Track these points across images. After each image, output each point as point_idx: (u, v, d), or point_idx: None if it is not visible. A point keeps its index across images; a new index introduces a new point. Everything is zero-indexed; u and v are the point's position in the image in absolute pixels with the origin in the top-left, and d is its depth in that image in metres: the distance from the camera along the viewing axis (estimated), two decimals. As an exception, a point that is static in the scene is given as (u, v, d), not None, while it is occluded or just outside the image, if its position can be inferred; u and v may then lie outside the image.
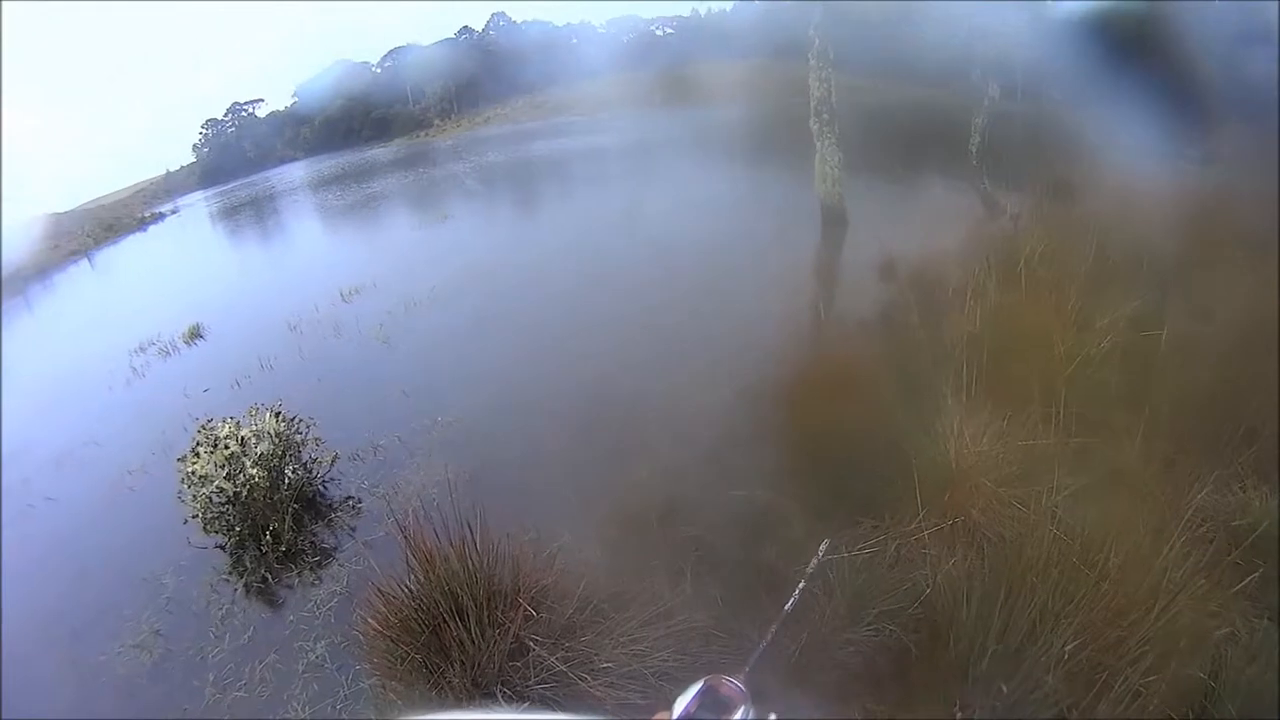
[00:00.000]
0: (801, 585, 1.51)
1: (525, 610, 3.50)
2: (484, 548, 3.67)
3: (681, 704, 1.20)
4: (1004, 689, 2.94)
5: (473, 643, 3.40)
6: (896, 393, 5.00)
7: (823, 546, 1.44)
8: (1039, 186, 9.95)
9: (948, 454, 4.30)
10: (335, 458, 6.08)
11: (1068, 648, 2.94)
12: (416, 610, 3.56)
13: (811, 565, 1.46)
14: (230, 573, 5.36)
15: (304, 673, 4.26)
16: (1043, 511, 3.62)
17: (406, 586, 3.65)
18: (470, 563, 3.57)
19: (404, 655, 3.53)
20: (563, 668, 3.33)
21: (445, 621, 3.45)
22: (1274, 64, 8.99)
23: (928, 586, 3.57)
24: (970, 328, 5.57)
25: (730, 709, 1.19)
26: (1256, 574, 3.32)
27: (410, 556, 3.63)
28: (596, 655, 3.42)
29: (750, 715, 1.18)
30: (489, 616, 3.47)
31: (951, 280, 6.59)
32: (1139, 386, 4.60)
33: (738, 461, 5.08)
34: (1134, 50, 10.09)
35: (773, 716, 1.18)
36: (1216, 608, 3.23)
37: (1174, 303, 5.64)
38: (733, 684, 1.23)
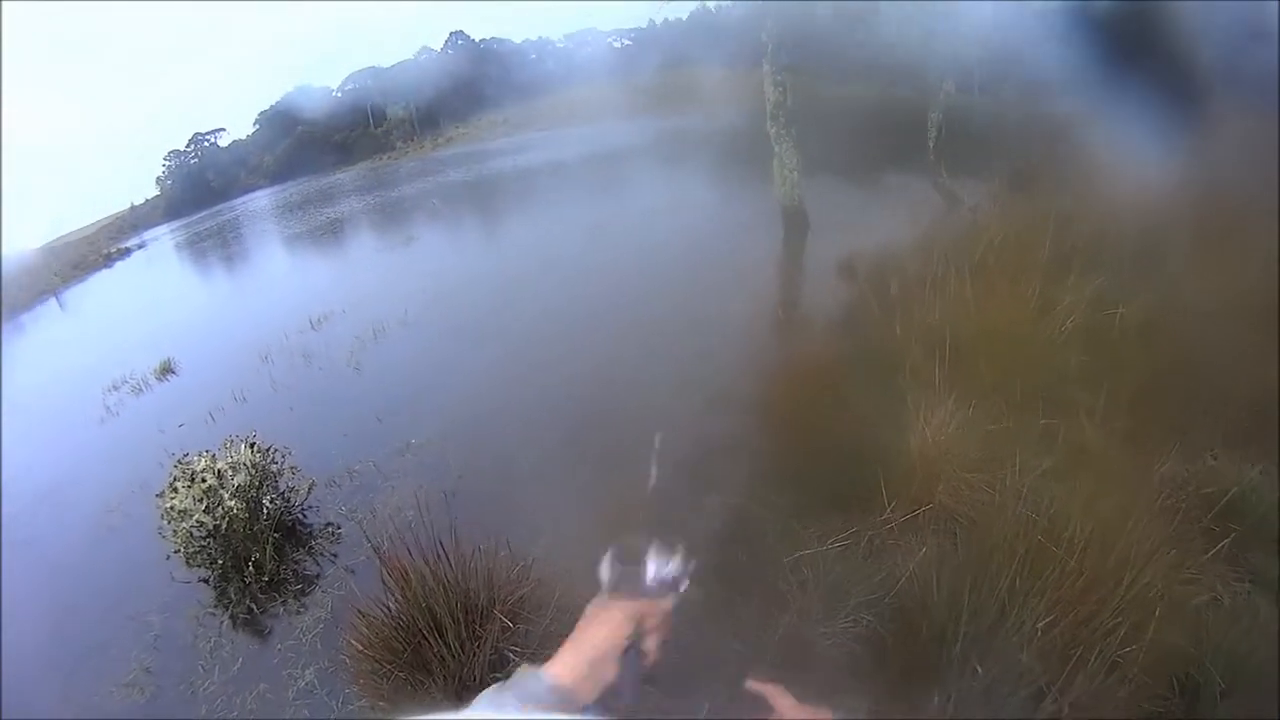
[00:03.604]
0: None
1: (501, 622, 3.56)
2: (458, 563, 3.73)
3: (604, 572, 1.27)
4: (979, 669, 2.99)
5: (453, 657, 3.46)
6: (861, 387, 5.10)
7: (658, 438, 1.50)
8: (997, 177, 10.13)
9: (915, 443, 4.38)
10: (312, 485, 6.10)
11: (1039, 625, 3.00)
12: (396, 629, 3.61)
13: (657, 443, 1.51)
14: (215, 606, 5.36)
15: (294, 699, 4.28)
16: (1008, 492, 3.70)
17: (386, 607, 3.70)
18: (445, 579, 3.63)
19: (388, 674, 3.58)
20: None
21: (425, 638, 3.51)
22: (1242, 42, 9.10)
23: (901, 575, 3.64)
24: (931, 318, 5.68)
25: (641, 555, 1.26)
26: (1229, 539, 3.42)
27: (386, 576, 3.69)
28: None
29: (658, 558, 1.26)
30: (467, 630, 3.53)
31: (911, 273, 6.70)
32: (1101, 365, 4.69)
33: (709, 466, 5.15)
34: (1104, 37, 10.24)
35: (679, 546, 1.27)
36: (1192, 574, 3.32)
37: (1136, 283, 5.75)
38: (634, 539, 1.28)
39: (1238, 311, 4.79)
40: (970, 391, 4.69)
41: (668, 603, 1.27)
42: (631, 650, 1.24)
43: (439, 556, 3.70)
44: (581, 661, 1.21)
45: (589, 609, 1.29)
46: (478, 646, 3.50)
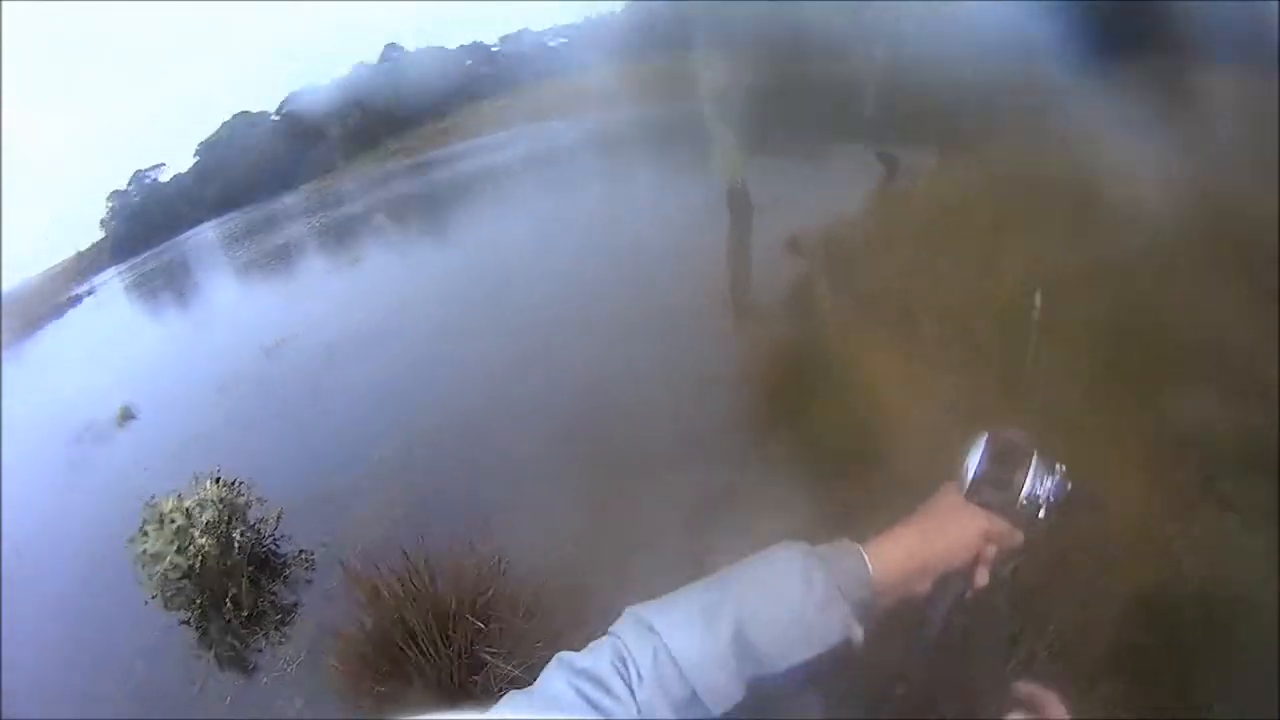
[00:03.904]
0: None
1: (473, 624, 3.61)
2: (423, 571, 3.77)
3: (971, 466, 1.05)
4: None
5: (430, 664, 3.51)
6: (821, 362, 5.19)
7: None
8: (938, 141, 10.24)
9: (870, 412, 4.44)
10: (280, 514, 6.07)
11: (1008, 569, 3.03)
12: (374, 645, 3.67)
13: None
14: (199, 646, 5.37)
15: (287, 731, 4.32)
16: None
17: (361, 624, 3.75)
18: (414, 588, 3.68)
19: (371, 690, 3.63)
20: (519, 674, 3.44)
21: (401, 649, 3.56)
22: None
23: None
24: (877, 285, 5.77)
25: (1019, 462, 1.03)
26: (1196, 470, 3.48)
27: (358, 593, 3.74)
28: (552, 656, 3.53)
29: (1038, 471, 1.03)
30: (440, 636, 3.58)
31: (855, 243, 6.80)
32: (1053, 317, 4.77)
33: (683, 451, 5.22)
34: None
35: (1061, 467, 1.04)
36: (1162, 505, 3.35)
37: (1081, 235, 5.84)
38: (1017, 434, 1.07)
39: (1186, 256, 4.87)
40: (923, 355, 4.78)
41: (1021, 536, 1.06)
42: (958, 576, 1.04)
43: (406, 567, 3.75)
44: (911, 560, 1.02)
45: (941, 498, 1.09)
46: (452, 652, 3.55)
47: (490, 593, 3.88)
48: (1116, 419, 3.85)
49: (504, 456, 5.98)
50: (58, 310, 27.36)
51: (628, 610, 0.98)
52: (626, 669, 0.90)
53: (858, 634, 0.95)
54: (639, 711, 0.88)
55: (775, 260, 8.19)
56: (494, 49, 38.08)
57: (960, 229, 6.21)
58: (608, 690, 0.88)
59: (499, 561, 4.22)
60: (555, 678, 0.91)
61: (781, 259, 8.07)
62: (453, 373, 8.38)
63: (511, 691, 0.91)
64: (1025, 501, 1.02)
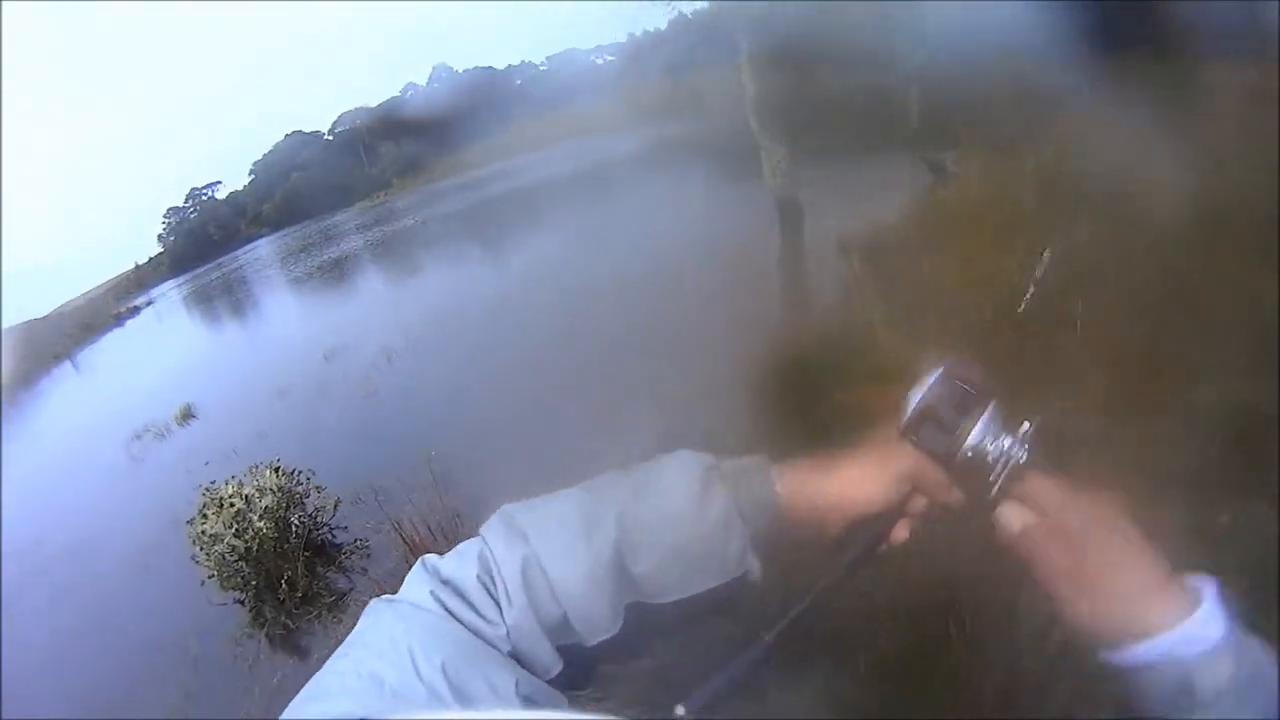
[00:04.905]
0: None
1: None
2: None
3: (913, 399, 0.84)
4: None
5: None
6: (857, 354, 5.21)
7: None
8: (979, 142, 10.20)
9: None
10: (338, 502, 6.22)
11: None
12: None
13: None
14: (252, 625, 5.49)
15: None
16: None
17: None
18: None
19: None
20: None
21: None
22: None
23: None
24: (923, 279, 5.79)
25: (973, 405, 0.82)
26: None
27: (411, 557, 3.80)
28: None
29: (991, 423, 0.81)
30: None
31: (898, 243, 6.82)
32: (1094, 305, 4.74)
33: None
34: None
35: (1028, 429, 0.80)
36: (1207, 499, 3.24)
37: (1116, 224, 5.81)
38: (978, 372, 0.85)
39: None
40: (967, 344, 4.79)
41: (959, 496, 0.85)
42: (874, 524, 0.86)
43: (459, 534, 3.81)
44: (826, 494, 0.85)
45: (875, 433, 0.89)
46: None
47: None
48: (1151, 404, 3.81)
49: (559, 450, 6.05)
50: (117, 320, 28.04)
51: (501, 509, 0.88)
52: (494, 583, 0.80)
53: (755, 569, 0.84)
54: (509, 636, 0.78)
55: (826, 262, 8.22)
56: (541, 68, 38.64)
57: (1000, 223, 6.21)
58: (473, 606, 0.79)
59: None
60: (418, 583, 0.81)
61: (830, 261, 8.10)
62: (507, 373, 8.46)
63: (376, 599, 0.82)
64: (970, 454, 0.82)
